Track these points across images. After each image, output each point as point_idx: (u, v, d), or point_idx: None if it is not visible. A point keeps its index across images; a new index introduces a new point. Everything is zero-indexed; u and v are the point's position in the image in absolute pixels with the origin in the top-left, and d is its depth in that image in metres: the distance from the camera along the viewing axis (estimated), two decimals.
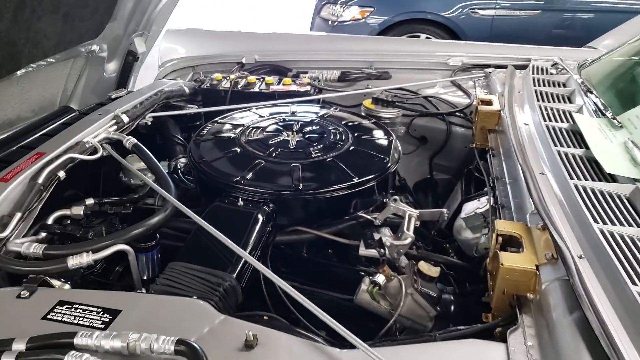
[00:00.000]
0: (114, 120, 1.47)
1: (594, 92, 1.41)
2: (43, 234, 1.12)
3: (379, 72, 2.01)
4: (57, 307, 0.86)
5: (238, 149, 1.31)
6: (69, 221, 1.19)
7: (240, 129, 1.43)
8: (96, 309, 0.85)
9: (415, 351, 0.77)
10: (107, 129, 1.43)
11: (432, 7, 4.40)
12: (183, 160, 1.61)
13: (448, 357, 0.75)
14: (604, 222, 0.86)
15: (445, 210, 1.22)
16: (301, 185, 1.15)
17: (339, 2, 4.71)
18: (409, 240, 1.14)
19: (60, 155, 1.24)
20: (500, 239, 0.93)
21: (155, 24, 2.01)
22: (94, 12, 1.66)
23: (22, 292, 0.89)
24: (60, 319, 0.84)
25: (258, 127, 1.43)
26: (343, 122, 1.47)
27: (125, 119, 1.48)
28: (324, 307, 0.81)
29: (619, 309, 0.71)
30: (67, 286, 0.98)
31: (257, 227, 1.09)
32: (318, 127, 1.43)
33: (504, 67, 1.99)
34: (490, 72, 1.95)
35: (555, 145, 1.14)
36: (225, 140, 1.37)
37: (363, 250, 1.18)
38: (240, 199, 1.15)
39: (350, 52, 2.16)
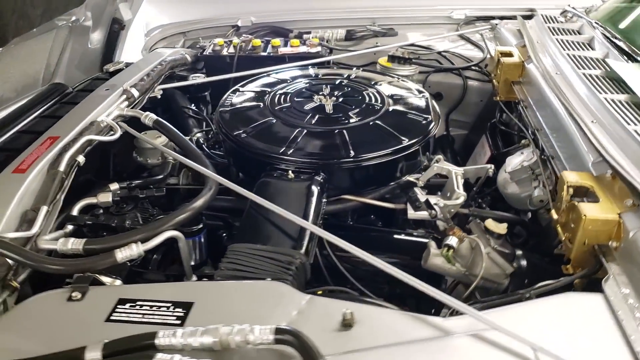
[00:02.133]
0: (125, 96, 1.37)
1: (618, 36, 1.41)
2: (69, 227, 1.02)
3: (384, 29, 1.96)
4: (119, 306, 0.79)
5: (274, 119, 1.25)
6: (100, 210, 1.10)
7: (268, 96, 1.36)
8: (164, 304, 0.79)
9: (519, 311, 0.76)
10: (118, 106, 1.33)
11: None
12: (200, 134, 1.53)
13: (553, 313, 0.75)
14: None
15: (490, 166, 1.21)
16: (352, 151, 1.11)
17: None
18: (461, 199, 1.12)
19: (77, 138, 1.14)
20: (571, 190, 0.92)
21: None
22: None
23: (72, 294, 0.82)
24: (126, 319, 0.77)
25: (287, 93, 1.37)
26: (373, 83, 1.42)
27: (136, 93, 1.38)
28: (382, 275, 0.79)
29: None
30: (119, 282, 0.90)
31: (314, 198, 1.05)
32: (349, 89, 1.38)
33: (508, 18, 1.97)
34: (497, 24, 1.93)
35: (600, 93, 1.14)
36: (257, 110, 1.31)
37: (412, 214, 1.16)
38: (290, 171, 1.10)
39: (351, 9, 2.09)
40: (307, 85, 1.42)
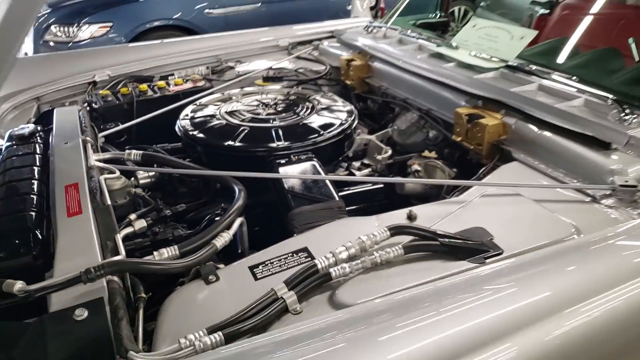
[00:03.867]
0: (89, 144, 1.38)
1: (423, 34, 2.08)
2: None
3: (234, 62, 2.30)
4: (255, 269, 0.99)
5: (247, 128, 1.52)
6: (151, 230, 1.21)
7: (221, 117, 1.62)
8: (287, 255, 1.01)
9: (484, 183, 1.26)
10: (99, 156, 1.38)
11: (170, 13, 4.65)
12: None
13: (506, 174, 1.27)
14: None
15: (390, 129, 1.71)
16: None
17: (69, 23, 4.47)
18: (389, 152, 1.59)
19: (94, 182, 1.21)
20: (466, 117, 1.47)
21: None
22: None
23: (209, 278, 0.98)
24: (270, 273, 0.97)
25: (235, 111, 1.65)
26: (307, 96, 1.80)
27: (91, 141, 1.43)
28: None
29: None
30: (222, 265, 1.04)
31: (320, 166, 1.38)
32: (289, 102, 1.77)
33: (318, 40, 2.54)
34: (318, 44, 2.47)
35: (437, 67, 1.75)
36: (227, 126, 1.55)
37: (360, 174, 1.57)
38: (291, 157, 1.40)
39: (196, 50, 2.35)
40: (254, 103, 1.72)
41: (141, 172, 1.37)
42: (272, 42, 2.51)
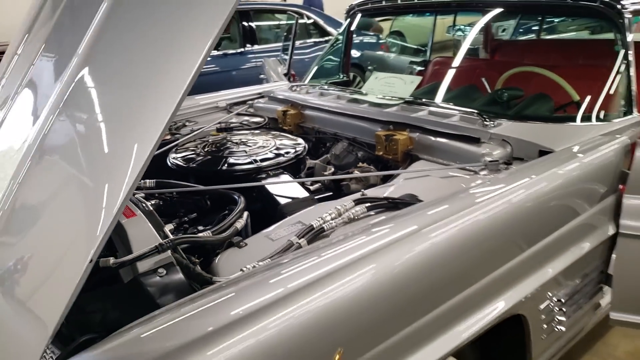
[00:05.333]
0: None
1: (333, 88, 2.72)
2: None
3: (185, 121, 2.76)
4: (269, 236, 1.46)
5: (228, 157, 1.98)
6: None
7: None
8: (287, 226, 1.51)
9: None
10: None
11: None
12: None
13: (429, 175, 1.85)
14: None
15: (328, 155, 2.26)
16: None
17: None
18: (332, 169, 2.13)
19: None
20: (383, 137, 2.06)
21: None
22: None
23: (240, 244, 1.43)
24: (281, 236, 1.44)
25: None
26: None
27: None
28: None
29: None
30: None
31: (290, 175, 1.88)
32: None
33: (250, 100, 3.08)
34: (252, 103, 3.02)
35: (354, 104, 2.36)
36: (214, 157, 1.99)
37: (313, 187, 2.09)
38: (269, 172, 1.88)
39: None
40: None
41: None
42: (212, 104, 3.01)
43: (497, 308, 1.40)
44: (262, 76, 4.38)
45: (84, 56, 1.23)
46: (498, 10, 2.58)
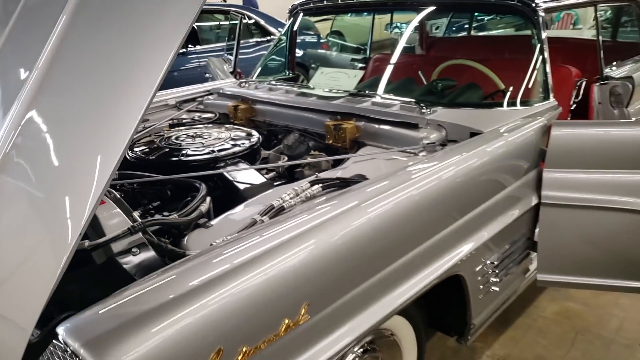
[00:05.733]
0: None
1: (281, 84, 2.85)
2: None
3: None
4: (231, 216, 1.58)
5: (187, 148, 2.06)
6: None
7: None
8: (249, 207, 1.63)
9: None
10: None
11: None
12: None
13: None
14: None
15: (281, 146, 2.40)
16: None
17: None
18: (286, 158, 2.27)
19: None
20: (332, 126, 2.22)
21: None
22: None
23: (206, 224, 1.54)
24: (244, 216, 1.58)
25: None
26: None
27: None
28: None
29: None
30: None
31: (247, 164, 1.99)
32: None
33: (200, 97, 3.17)
34: (201, 100, 3.10)
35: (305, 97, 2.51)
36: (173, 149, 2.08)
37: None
38: (227, 161, 1.99)
39: None
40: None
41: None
42: (161, 102, 3.07)
43: (437, 269, 1.59)
44: (207, 75, 4.45)
45: (44, 70, 1.28)
46: (430, 8, 2.82)
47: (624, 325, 2.65)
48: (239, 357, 1.05)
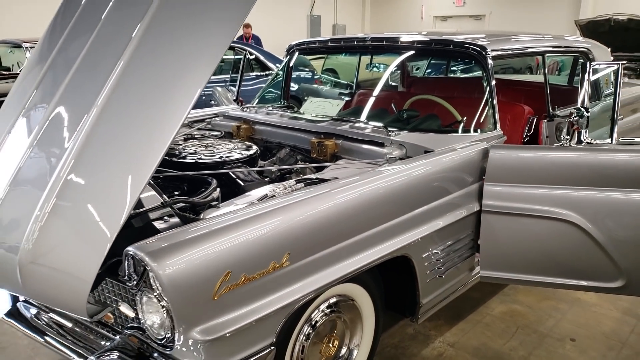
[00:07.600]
0: None
1: (276, 110, 3.40)
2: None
3: None
4: (237, 201, 2.09)
5: (201, 156, 2.58)
6: None
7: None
8: (249, 196, 2.15)
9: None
10: None
11: None
12: None
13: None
14: None
15: (275, 158, 2.92)
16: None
17: None
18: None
19: None
20: (316, 143, 2.75)
21: None
22: None
23: (218, 206, 2.04)
24: (246, 202, 2.09)
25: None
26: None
27: None
28: None
29: None
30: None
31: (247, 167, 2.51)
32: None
33: (209, 118, 3.71)
34: (209, 120, 3.64)
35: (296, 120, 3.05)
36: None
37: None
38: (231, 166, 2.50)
39: None
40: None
41: None
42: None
43: (389, 247, 2.10)
44: (212, 102, 5.01)
45: (102, 107, 1.84)
46: (406, 51, 3.42)
47: (559, 324, 3.13)
48: (240, 281, 1.54)
